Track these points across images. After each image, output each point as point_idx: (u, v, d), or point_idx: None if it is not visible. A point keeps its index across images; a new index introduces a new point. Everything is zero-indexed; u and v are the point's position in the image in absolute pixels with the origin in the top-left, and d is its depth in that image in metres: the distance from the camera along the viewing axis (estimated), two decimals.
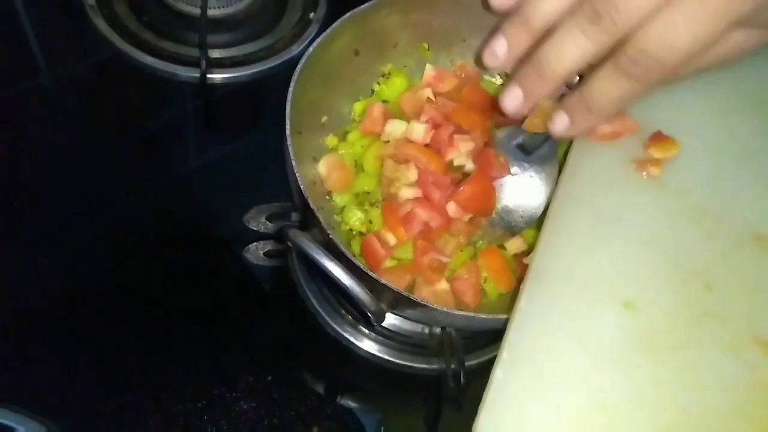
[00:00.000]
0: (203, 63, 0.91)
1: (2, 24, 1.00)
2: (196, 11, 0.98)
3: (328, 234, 0.62)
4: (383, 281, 0.61)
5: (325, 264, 0.57)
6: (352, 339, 0.84)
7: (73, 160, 0.90)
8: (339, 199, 0.80)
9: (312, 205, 0.64)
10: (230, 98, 0.98)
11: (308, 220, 0.65)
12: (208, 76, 0.95)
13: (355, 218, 0.78)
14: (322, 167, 0.79)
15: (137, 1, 1.02)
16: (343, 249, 0.62)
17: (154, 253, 0.85)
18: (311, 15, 1.06)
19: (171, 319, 0.81)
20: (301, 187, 0.65)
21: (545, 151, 0.78)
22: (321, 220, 0.63)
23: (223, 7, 1.01)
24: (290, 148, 0.67)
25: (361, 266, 0.61)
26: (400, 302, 0.64)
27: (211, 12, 1.01)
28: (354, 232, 0.79)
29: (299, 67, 0.72)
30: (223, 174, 0.92)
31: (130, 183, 0.90)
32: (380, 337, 0.85)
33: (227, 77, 0.97)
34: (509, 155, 0.78)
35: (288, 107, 0.69)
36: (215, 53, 1.00)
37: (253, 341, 0.82)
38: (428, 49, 0.88)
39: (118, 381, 0.76)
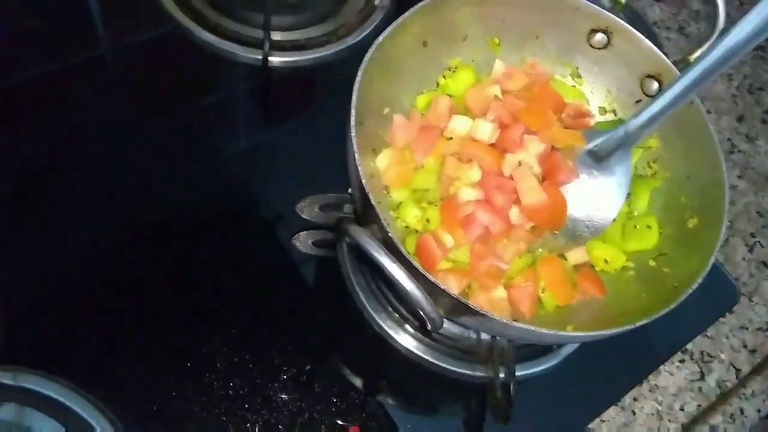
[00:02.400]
0: (266, 45, 0.89)
1: None
2: None
3: (388, 232, 0.60)
4: (442, 286, 0.59)
5: (386, 265, 0.54)
6: (397, 338, 0.81)
7: (125, 133, 0.89)
8: (396, 195, 0.77)
9: (373, 201, 0.61)
10: (290, 82, 0.96)
11: (366, 216, 0.62)
12: (274, 59, 0.93)
13: (412, 216, 0.75)
14: (381, 161, 0.77)
15: None
16: (402, 249, 0.59)
17: (199, 234, 0.84)
18: (377, 2, 1.04)
19: (214, 305, 0.80)
20: (363, 182, 0.62)
21: (617, 159, 0.74)
22: (381, 217, 0.60)
23: None
24: (353, 140, 0.64)
25: (420, 269, 0.59)
26: (457, 309, 0.61)
27: None
28: (410, 230, 0.76)
29: (368, 56, 0.69)
30: (278, 159, 0.91)
31: (181, 161, 0.89)
32: (426, 338, 0.82)
33: (288, 60, 0.96)
34: (578, 161, 0.74)
35: (354, 97, 0.66)
36: (277, 35, 0.98)
37: (296, 332, 0.80)
38: (499, 45, 0.84)
39: (165, 364, 0.75)
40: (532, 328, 0.60)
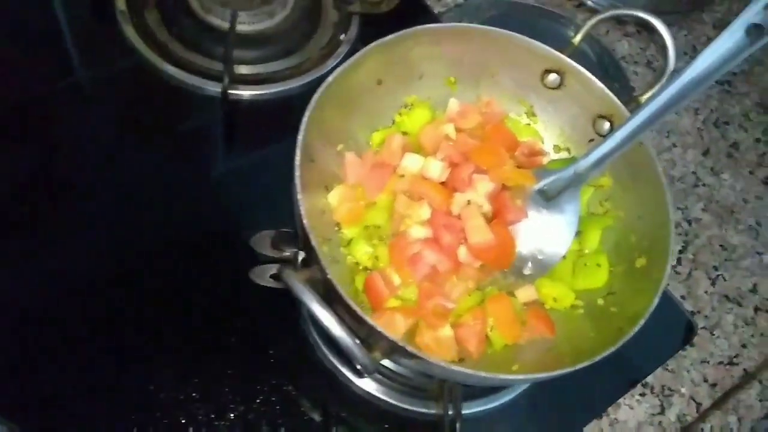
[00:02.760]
0: (226, 78, 0.90)
1: (39, 24, 1.00)
2: (226, 25, 0.97)
3: (327, 273, 0.60)
4: (379, 329, 0.59)
5: (315, 310, 0.54)
6: (349, 376, 0.81)
7: (89, 161, 0.89)
8: (348, 232, 0.78)
9: (314, 242, 0.62)
10: (251, 115, 0.97)
11: (309, 254, 0.63)
12: (232, 91, 0.94)
13: (363, 252, 0.76)
14: (333, 197, 0.77)
15: (168, 11, 1.01)
16: (341, 291, 0.59)
17: (152, 265, 0.84)
18: (342, 36, 1.05)
19: (164, 338, 0.79)
20: (304, 221, 0.62)
21: (567, 197, 0.75)
22: (321, 259, 0.61)
23: (254, 23, 1.00)
24: (297, 180, 0.65)
25: (358, 311, 0.59)
26: (396, 351, 0.61)
27: (241, 27, 1.00)
28: (360, 267, 0.77)
29: (316, 96, 0.70)
30: (235, 192, 0.91)
31: (143, 191, 0.89)
32: (379, 376, 0.82)
33: (251, 94, 0.96)
34: (528, 199, 0.75)
35: (300, 137, 0.67)
36: (242, 69, 0.98)
37: (248, 368, 0.80)
38: (455, 83, 0.85)
39: (109, 401, 0.74)
40: (470, 371, 0.60)
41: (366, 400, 0.81)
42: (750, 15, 0.61)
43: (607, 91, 0.78)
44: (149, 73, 0.97)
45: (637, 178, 0.78)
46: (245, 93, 0.96)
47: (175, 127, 0.95)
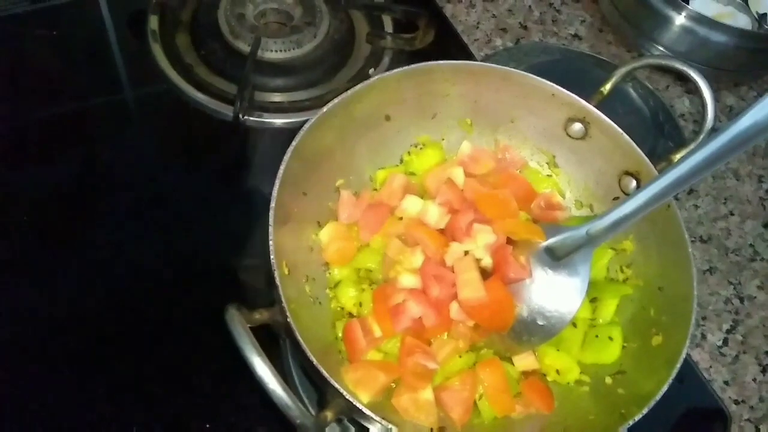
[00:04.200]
0: (238, 103, 0.88)
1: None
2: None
3: (287, 316, 0.55)
4: (336, 385, 0.53)
5: (248, 358, 0.49)
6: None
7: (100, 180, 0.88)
8: (336, 273, 0.72)
9: (277, 280, 0.57)
10: (265, 143, 0.94)
11: (274, 293, 0.58)
12: (249, 117, 0.92)
13: (349, 297, 0.70)
14: (325, 235, 0.72)
15: (198, 34, 1.00)
16: (299, 337, 0.54)
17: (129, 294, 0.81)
18: (371, 71, 1.01)
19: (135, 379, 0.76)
20: (272, 257, 0.58)
21: (578, 260, 0.67)
22: (283, 300, 0.56)
23: (281, 51, 0.98)
24: (272, 210, 0.60)
25: (313, 360, 0.53)
26: (355, 413, 0.55)
27: (269, 55, 0.98)
28: (344, 312, 0.71)
29: (309, 124, 0.66)
30: (235, 220, 0.87)
31: (148, 212, 0.87)
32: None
33: (267, 122, 0.93)
34: (535, 257, 0.68)
35: (283, 166, 0.62)
36: (263, 96, 0.96)
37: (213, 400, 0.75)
38: (471, 125, 0.79)
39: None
40: None
41: None
42: None
43: (634, 145, 0.70)
44: (171, 94, 0.96)
45: (662, 244, 0.69)
46: (262, 120, 0.93)
47: (190, 148, 0.93)
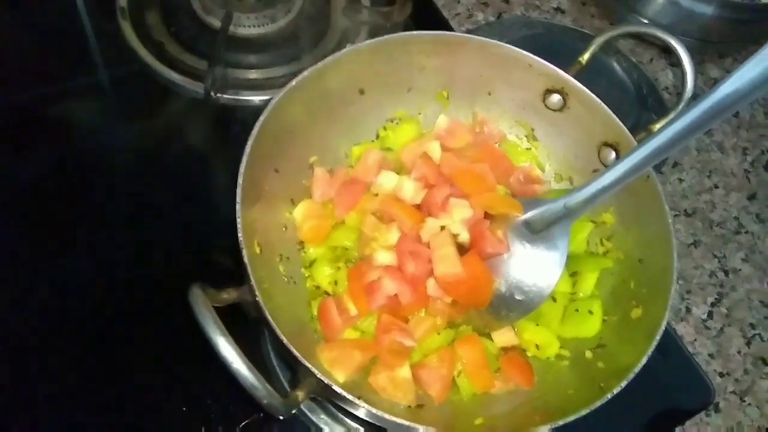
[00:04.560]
0: (209, 79, 0.85)
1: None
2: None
3: (256, 295, 0.53)
4: (307, 365, 0.51)
5: (212, 339, 0.47)
6: (312, 416, 0.73)
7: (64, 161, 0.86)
8: (311, 252, 0.71)
9: (246, 258, 0.55)
10: (238, 121, 0.92)
11: (243, 272, 0.56)
12: (221, 95, 0.89)
13: (324, 275, 0.69)
14: (298, 213, 0.70)
15: (169, 10, 0.97)
16: (268, 315, 0.53)
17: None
18: (348, 46, 0.99)
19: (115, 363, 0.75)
20: (239, 234, 0.56)
21: (556, 233, 0.66)
22: (252, 278, 0.54)
23: (253, 26, 0.95)
24: (240, 187, 0.58)
25: (284, 340, 0.52)
26: (328, 392, 0.53)
27: (242, 30, 0.96)
28: (320, 291, 0.69)
29: (277, 97, 0.64)
30: (199, 198, 0.85)
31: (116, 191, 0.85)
32: (333, 409, 0.74)
33: (241, 99, 0.91)
34: (512, 231, 0.66)
35: (249, 144, 0.60)
36: (238, 73, 0.94)
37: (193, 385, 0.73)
38: (447, 98, 0.78)
39: None
40: (407, 423, 0.52)
41: None
42: None
43: (613, 116, 0.69)
44: (142, 71, 0.93)
45: (642, 216, 0.68)
46: (237, 98, 0.91)
47: (162, 127, 0.91)
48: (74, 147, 0.88)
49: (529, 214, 0.66)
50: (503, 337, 0.67)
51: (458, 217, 0.66)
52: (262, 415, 0.72)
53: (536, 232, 0.66)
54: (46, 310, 0.76)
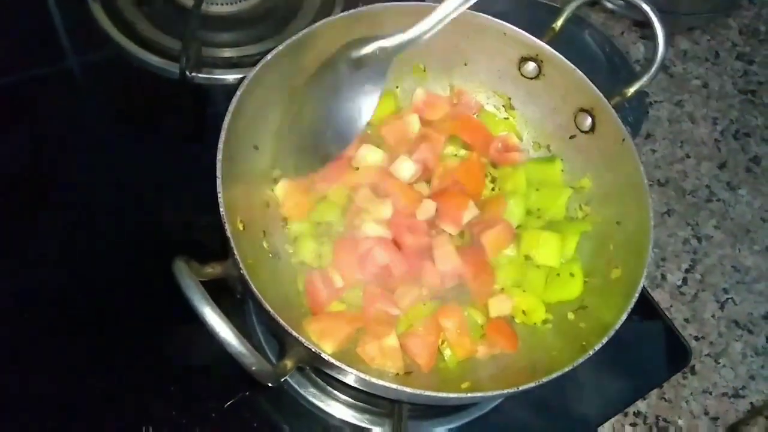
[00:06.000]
0: (184, 59, 0.84)
1: None
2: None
3: (241, 269, 0.53)
4: (294, 333, 0.52)
5: (198, 309, 0.47)
6: (299, 389, 0.73)
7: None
8: (295, 228, 0.71)
9: (228, 232, 0.55)
10: (215, 101, 0.91)
11: (226, 246, 0.56)
12: (196, 74, 0.88)
13: (309, 251, 0.69)
14: (280, 189, 0.70)
15: None
16: (253, 288, 0.53)
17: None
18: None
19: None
20: (221, 209, 0.56)
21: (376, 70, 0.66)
22: (236, 252, 0.54)
23: (229, 3, 0.94)
24: (219, 162, 0.58)
25: (270, 311, 0.52)
26: (316, 360, 0.53)
27: (215, 8, 0.95)
28: (305, 267, 0.69)
29: (253, 71, 0.64)
30: (179, 180, 0.84)
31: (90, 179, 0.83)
32: (327, 387, 0.74)
33: (216, 78, 0.90)
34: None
35: (227, 120, 0.60)
36: (212, 52, 0.93)
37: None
38: (425, 70, 0.78)
39: None
40: (397, 386, 0.52)
41: (313, 413, 0.73)
42: None
43: (588, 81, 0.70)
44: (114, 54, 0.92)
45: (619, 180, 0.69)
46: (212, 77, 0.90)
47: (137, 109, 0.90)
48: (48, 131, 0.86)
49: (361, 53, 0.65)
50: (499, 306, 0.68)
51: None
52: (248, 393, 0.72)
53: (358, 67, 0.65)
54: (30, 291, 0.75)
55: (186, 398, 0.71)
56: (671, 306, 1.04)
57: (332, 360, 0.51)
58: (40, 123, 0.88)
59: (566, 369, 0.56)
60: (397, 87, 0.78)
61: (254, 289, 0.52)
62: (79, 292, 0.76)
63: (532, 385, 0.54)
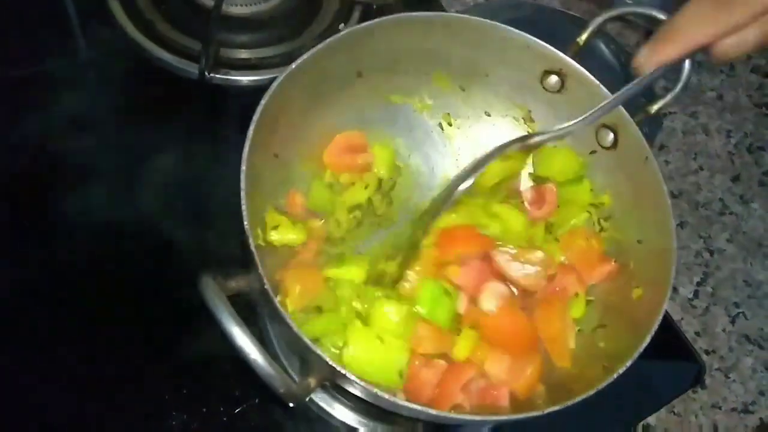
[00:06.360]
0: (203, 59, 0.84)
1: None
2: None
3: (264, 283, 0.53)
4: (319, 352, 0.51)
5: (226, 328, 0.46)
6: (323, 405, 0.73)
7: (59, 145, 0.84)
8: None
9: (252, 245, 0.54)
10: (233, 102, 0.90)
11: (247, 260, 0.55)
12: (214, 75, 0.87)
13: None
14: None
15: None
16: (276, 302, 0.52)
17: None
18: (341, 26, 0.98)
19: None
20: (245, 222, 0.55)
21: None
22: (259, 266, 0.53)
23: (246, 5, 0.94)
24: (243, 173, 0.58)
25: (296, 329, 0.51)
26: (339, 378, 0.53)
27: (234, 9, 0.94)
28: None
29: (280, 79, 0.63)
30: (196, 192, 0.84)
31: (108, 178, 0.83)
32: (339, 396, 0.74)
33: (232, 79, 0.89)
34: None
35: (251, 129, 0.59)
36: (229, 53, 0.92)
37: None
38: (446, 79, 0.77)
39: None
40: (414, 406, 0.52)
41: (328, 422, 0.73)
42: None
43: (612, 97, 0.69)
44: (132, 53, 0.91)
45: (640, 198, 0.69)
46: (228, 78, 0.89)
47: (154, 109, 0.89)
48: (62, 129, 0.85)
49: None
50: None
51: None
52: (257, 401, 0.72)
53: None
54: (32, 292, 0.75)
55: (198, 402, 0.71)
56: (682, 318, 1.04)
57: (356, 379, 0.51)
58: (54, 119, 0.87)
59: (591, 393, 0.55)
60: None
61: (279, 307, 0.52)
62: (91, 293, 0.75)
63: (556, 407, 0.54)
